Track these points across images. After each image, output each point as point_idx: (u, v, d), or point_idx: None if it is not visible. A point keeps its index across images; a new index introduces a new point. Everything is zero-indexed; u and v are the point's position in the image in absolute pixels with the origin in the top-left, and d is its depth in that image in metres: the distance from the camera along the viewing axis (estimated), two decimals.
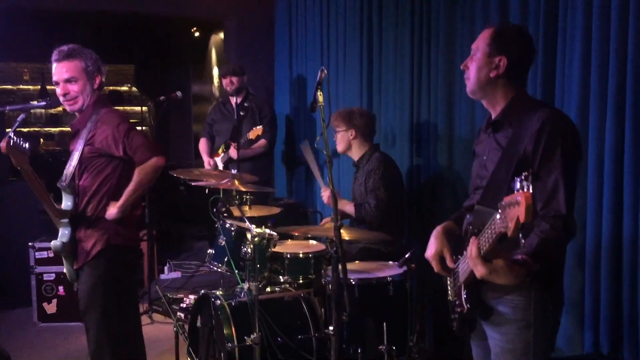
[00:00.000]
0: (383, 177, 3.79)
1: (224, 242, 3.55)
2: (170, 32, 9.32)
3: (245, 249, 3.40)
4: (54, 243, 2.87)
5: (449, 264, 2.17)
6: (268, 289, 3.57)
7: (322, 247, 3.82)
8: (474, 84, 2.13)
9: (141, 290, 5.34)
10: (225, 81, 5.24)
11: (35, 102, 2.88)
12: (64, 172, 2.86)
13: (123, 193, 2.84)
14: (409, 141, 4.37)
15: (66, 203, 2.86)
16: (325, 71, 2.67)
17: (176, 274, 6.28)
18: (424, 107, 4.22)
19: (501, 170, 1.99)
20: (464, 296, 2.07)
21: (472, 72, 2.13)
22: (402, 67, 4.40)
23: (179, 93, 5.13)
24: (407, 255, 3.24)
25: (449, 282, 2.23)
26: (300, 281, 3.63)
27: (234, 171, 3.42)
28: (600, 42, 2.71)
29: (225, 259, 3.55)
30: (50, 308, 4.79)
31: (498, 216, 1.61)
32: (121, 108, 11.74)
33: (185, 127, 10.61)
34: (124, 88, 11.80)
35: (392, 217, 3.82)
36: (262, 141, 5.13)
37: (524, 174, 1.49)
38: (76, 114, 2.93)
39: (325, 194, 3.97)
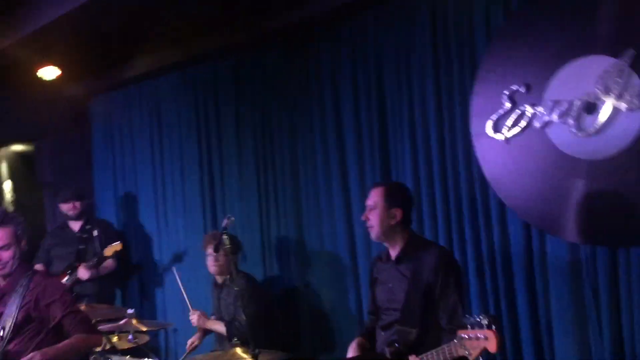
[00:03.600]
0: (253, 295, 4.17)
1: None
2: None
3: None
4: None
5: None
6: None
7: None
8: (378, 231, 2.76)
9: None
10: (67, 206, 5.25)
11: None
12: None
13: None
14: (260, 256, 4.83)
15: None
16: (233, 218, 3.12)
17: None
18: (273, 227, 4.75)
19: (411, 296, 2.61)
20: None
21: (375, 222, 2.75)
22: (248, 186, 4.90)
23: None
24: None
25: None
26: None
27: (130, 311, 3.54)
28: None
29: None
30: None
31: (456, 342, 2.21)
32: None
33: None
34: None
35: (263, 330, 4.20)
36: (110, 261, 5.17)
37: (481, 316, 2.12)
38: None
39: (194, 317, 4.20)
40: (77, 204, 5.23)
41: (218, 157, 5.18)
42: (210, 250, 4.23)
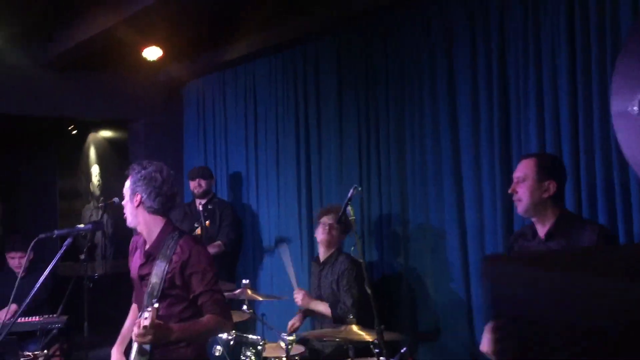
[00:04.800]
0: (356, 277, 4.04)
1: (219, 352, 3.54)
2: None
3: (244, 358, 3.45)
4: None
5: None
6: None
7: (301, 348, 3.92)
8: (528, 205, 2.57)
9: None
10: (193, 183, 5.42)
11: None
12: None
13: None
14: (359, 235, 4.67)
15: None
16: (360, 188, 2.99)
17: None
18: (374, 203, 4.59)
19: None
20: None
21: (525, 195, 2.57)
22: (349, 168, 4.76)
23: (116, 199, 5.02)
24: (402, 350, 3.50)
25: None
26: None
27: (245, 281, 3.48)
28: None
29: None
30: None
31: None
32: None
33: (50, 226, 9.90)
34: None
35: (367, 313, 4.06)
36: (218, 242, 5.18)
37: None
38: None
39: (299, 296, 4.11)
40: (203, 182, 5.39)
41: (316, 138, 5.07)
42: (326, 219, 4.15)
